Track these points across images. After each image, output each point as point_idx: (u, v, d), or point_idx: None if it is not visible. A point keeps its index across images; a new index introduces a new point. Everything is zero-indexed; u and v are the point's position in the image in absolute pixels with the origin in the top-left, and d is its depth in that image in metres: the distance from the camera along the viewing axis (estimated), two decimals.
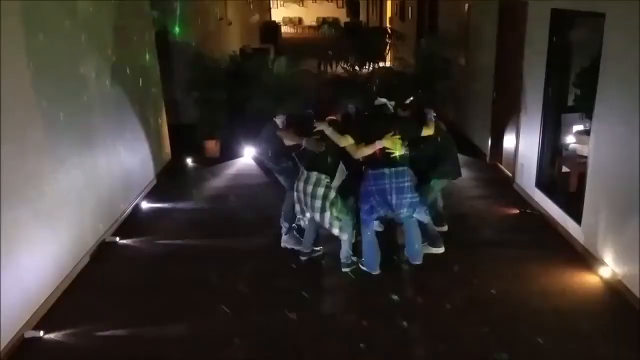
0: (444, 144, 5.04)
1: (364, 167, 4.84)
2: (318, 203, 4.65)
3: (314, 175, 4.67)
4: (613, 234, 4.57)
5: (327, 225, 4.76)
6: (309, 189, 4.66)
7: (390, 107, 4.81)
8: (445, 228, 5.41)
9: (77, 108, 5.05)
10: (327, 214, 4.67)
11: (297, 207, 4.85)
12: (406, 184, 4.60)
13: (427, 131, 4.75)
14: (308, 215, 4.83)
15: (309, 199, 4.68)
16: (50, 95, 4.54)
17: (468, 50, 8.52)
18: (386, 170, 4.56)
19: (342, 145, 4.67)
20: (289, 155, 5.07)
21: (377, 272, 4.78)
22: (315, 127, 4.76)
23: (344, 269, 4.84)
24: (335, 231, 4.76)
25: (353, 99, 5.55)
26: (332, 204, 4.67)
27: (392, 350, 3.90)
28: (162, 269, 5.03)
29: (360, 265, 4.86)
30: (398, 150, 4.57)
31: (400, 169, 4.59)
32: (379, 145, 4.55)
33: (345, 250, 4.84)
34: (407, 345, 3.96)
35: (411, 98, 5.15)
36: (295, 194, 4.82)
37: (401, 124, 4.74)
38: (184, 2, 9.54)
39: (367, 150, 4.61)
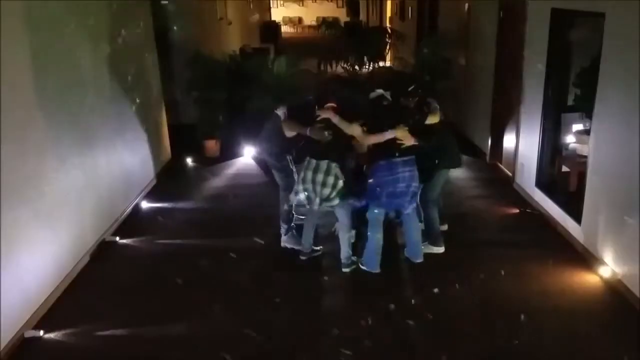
0: (446, 134, 5.07)
1: (365, 163, 4.83)
2: (327, 191, 4.62)
3: (325, 163, 4.61)
4: (613, 233, 4.57)
5: (318, 205, 4.73)
6: (320, 177, 4.60)
7: (388, 97, 4.76)
8: (445, 227, 5.41)
9: (77, 108, 5.05)
10: (331, 203, 4.68)
11: (302, 196, 4.74)
12: (414, 173, 4.63)
13: (433, 119, 4.75)
14: (315, 205, 4.73)
15: (318, 187, 4.62)
16: (50, 95, 4.54)
17: (468, 50, 8.52)
18: (399, 159, 4.56)
19: (350, 133, 4.64)
20: (290, 153, 5.04)
21: (377, 271, 4.78)
22: (318, 116, 4.68)
23: (344, 269, 4.84)
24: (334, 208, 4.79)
25: (354, 96, 5.54)
26: (338, 193, 4.66)
27: (392, 349, 3.90)
28: (162, 269, 5.03)
29: (360, 265, 4.86)
30: (408, 141, 4.57)
31: (409, 157, 4.60)
32: (390, 135, 4.53)
33: (345, 251, 4.84)
34: (407, 345, 3.96)
35: (413, 86, 5.12)
36: (301, 185, 4.72)
37: (407, 113, 4.72)
38: (184, 2, 9.55)
39: (377, 139, 4.58)
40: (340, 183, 4.66)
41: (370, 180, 4.67)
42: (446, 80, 8.74)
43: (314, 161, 4.67)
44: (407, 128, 4.56)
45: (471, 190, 6.68)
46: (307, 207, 4.87)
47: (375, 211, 4.75)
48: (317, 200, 4.68)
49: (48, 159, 4.50)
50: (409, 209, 4.79)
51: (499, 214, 6.01)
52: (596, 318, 4.21)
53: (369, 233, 4.82)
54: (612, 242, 4.57)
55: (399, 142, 4.55)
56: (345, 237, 4.83)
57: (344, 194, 4.77)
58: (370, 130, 4.61)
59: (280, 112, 4.97)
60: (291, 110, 4.94)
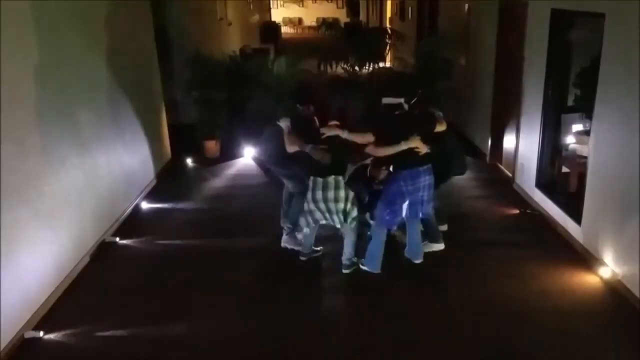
0: (453, 141, 5.10)
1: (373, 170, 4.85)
2: (341, 206, 4.62)
3: (332, 178, 4.59)
4: (613, 234, 4.57)
5: (343, 224, 4.71)
6: (331, 194, 4.59)
7: (406, 107, 4.66)
8: (445, 227, 5.40)
9: (77, 108, 5.05)
10: (349, 215, 4.66)
11: (318, 215, 4.72)
12: (432, 181, 4.65)
13: (441, 127, 4.76)
14: (337, 224, 4.73)
15: (332, 205, 4.62)
16: (50, 95, 4.54)
17: (468, 50, 8.52)
18: (421, 168, 4.55)
19: (363, 142, 4.58)
20: (297, 160, 4.93)
21: (378, 271, 4.78)
22: (323, 133, 4.59)
23: (345, 270, 4.83)
24: (348, 229, 4.75)
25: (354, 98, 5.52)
26: (353, 203, 4.67)
27: (392, 349, 3.90)
28: (162, 269, 5.03)
29: (361, 265, 4.86)
30: (422, 149, 4.56)
31: (428, 166, 4.60)
32: (403, 147, 4.47)
33: (348, 252, 4.83)
34: (407, 345, 3.96)
35: (420, 91, 5.08)
36: (311, 204, 4.68)
37: (421, 122, 4.68)
38: (184, 2, 9.56)
39: (391, 151, 4.53)
40: (352, 194, 4.68)
41: (391, 189, 4.62)
42: (446, 81, 8.73)
43: (319, 180, 4.62)
44: (419, 137, 4.53)
45: (471, 190, 6.68)
46: (319, 223, 4.84)
47: (387, 218, 4.68)
48: (337, 218, 4.67)
49: (48, 159, 4.50)
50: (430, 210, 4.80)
51: (499, 214, 6.01)
52: (596, 318, 4.21)
53: (371, 233, 4.81)
54: (612, 242, 4.57)
55: (416, 150, 4.52)
56: (352, 241, 4.82)
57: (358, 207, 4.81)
58: (383, 139, 4.54)
59: (284, 124, 4.90)
60: (294, 123, 4.85)
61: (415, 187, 4.57)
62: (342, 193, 4.62)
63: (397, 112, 4.61)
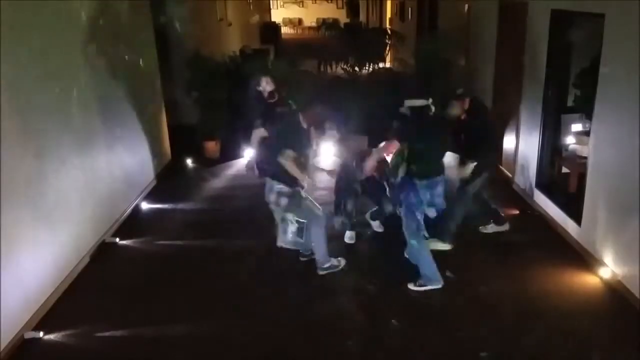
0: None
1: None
2: (276, 210, 4.71)
3: (268, 182, 4.68)
4: (613, 234, 4.57)
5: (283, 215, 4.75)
6: (265, 195, 4.69)
7: (433, 108, 4.40)
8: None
9: (77, 108, 5.05)
10: (288, 218, 4.71)
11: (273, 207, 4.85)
12: (444, 187, 4.58)
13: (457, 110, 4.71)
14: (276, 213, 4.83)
15: (272, 206, 4.73)
16: (50, 95, 4.54)
17: (468, 50, 8.52)
18: (438, 178, 4.46)
19: (390, 153, 4.54)
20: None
21: (442, 284, 4.56)
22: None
23: (321, 272, 4.81)
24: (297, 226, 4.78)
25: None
26: (286, 210, 4.65)
27: (392, 350, 3.90)
28: (162, 270, 5.04)
29: (420, 287, 4.57)
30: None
31: (444, 176, 4.52)
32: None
33: (318, 254, 4.80)
34: (407, 346, 3.96)
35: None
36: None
37: (445, 128, 4.58)
38: (184, 2, 9.56)
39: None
40: (283, 201, 4.58)
41: (408, 201, 4.47)
42: (446, 81, 8.71)
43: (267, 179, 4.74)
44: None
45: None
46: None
47: (419, 228, 4.53)
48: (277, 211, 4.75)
49: (48, 159, 4.50)
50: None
51: None
52: (596, 318, 4.21)
53: (421, 248, 4.58)
54: (612, 243, 4.57)
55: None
56: (321, 242, 4.77)
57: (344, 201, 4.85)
58: (414, 150, 4.34)
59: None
60: (286, 128, 4.86)
61: (433, 193, 4.48)
62: (271, 197, 4.63)
63: (424, 115, 4.36)
